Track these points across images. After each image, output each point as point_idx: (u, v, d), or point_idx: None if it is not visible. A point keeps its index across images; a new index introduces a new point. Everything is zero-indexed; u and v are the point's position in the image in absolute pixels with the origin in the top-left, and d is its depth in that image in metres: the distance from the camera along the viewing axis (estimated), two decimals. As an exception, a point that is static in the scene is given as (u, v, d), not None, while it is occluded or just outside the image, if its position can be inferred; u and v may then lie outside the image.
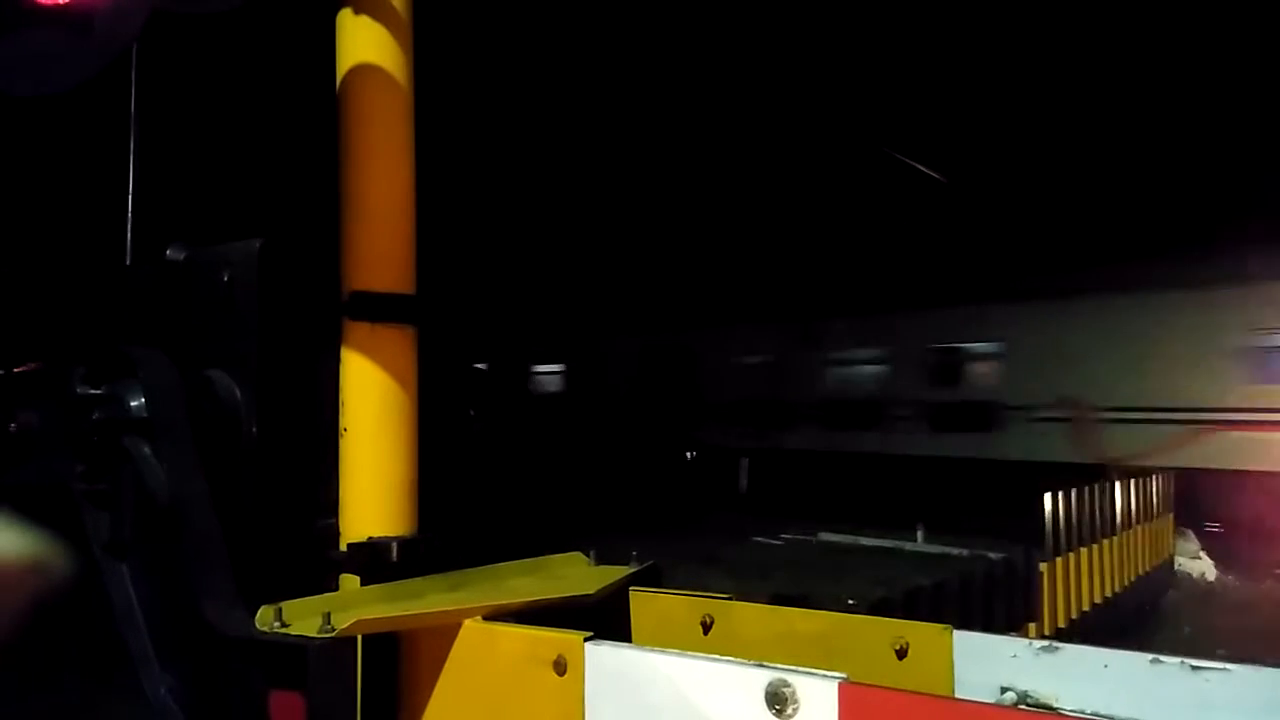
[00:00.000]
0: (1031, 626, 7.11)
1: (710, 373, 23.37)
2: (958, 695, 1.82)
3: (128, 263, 2.82)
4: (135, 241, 2.88)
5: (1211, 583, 11.85)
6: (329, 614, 1.76)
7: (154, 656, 2.17)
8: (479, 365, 29.29)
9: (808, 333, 21.12)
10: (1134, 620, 9.30)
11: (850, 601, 6.79)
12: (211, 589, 1.99)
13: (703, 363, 23.81)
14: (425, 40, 2.44)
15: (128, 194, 2.93)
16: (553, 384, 28.41)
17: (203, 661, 2.10)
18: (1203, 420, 14.83)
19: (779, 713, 1.44)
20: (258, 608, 1.81)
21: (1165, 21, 13.08)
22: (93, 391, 2.17)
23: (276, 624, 1.78)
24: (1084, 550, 8.23)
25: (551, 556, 2.49)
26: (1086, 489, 8.45)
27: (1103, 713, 1.72)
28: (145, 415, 2.11)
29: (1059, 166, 16.85)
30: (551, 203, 21.47)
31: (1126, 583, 9.44)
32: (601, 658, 1.65)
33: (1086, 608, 8.18)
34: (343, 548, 2.20)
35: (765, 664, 1.49)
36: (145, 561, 2.21)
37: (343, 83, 2.33)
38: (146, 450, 2.08)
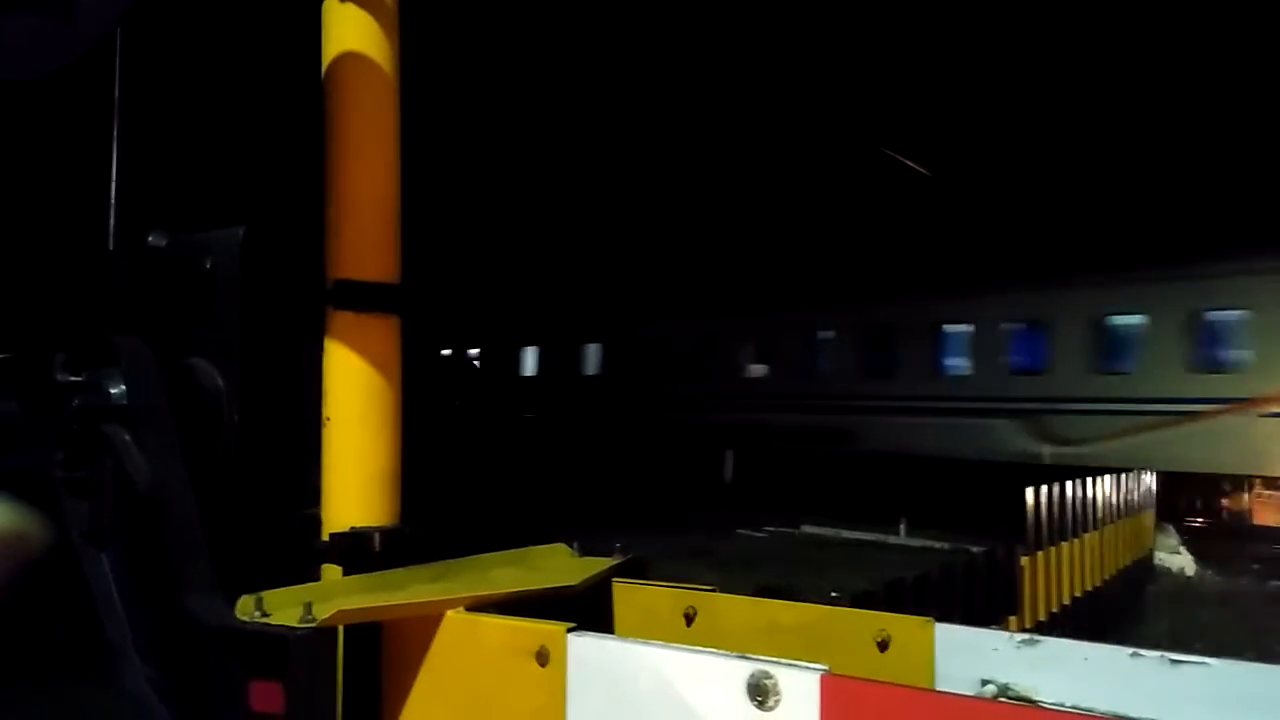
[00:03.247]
0: (1012, 620, 7.14)
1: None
2: (938, 687, 1.83)
3: (110, 249, 2.80)
4: (119, 227, 2.86)
5: (1190, 577, 11.93)
6: (310, 604, 1.75)
7: (133, 645, 2.15)
8: (464, 355, 29.24)
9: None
10: (1114, 614, 9.36)
11: (833, 594, 6.82)
12: (191, 578, 1.97)
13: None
14: (412, 30, 2.43)
15: (111, 180, 2.91)
16: (540, 374, 28.35)
17: (182, 651, 2.09)
18: None
19: (760, 704, 1.44)
20: (238, 597, 1.80)
21: (1143, 29, 13.15)
22: (73, 378, 2.15)
23: (257, 613, 1.77)
24: (1065, 544, 8.28)
25: (535, 548, 2.49)
26: (1069, 483, 8.50)
27: (1082, 706, 1.73)
28: (125, 403, 2.09)
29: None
30: (539, 193, 21.45)
31: (1107, 577, 9.50)
32: (584, 649, 1.65)
33: (1067, 601, 8.23)
34: (325, 537, 2.19)
35: (747, 655, 1.49)
36: (125, 550, 2.19)
37: (328, 71, 2.32)
38: (127, 438, 2.07)
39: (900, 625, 1.93)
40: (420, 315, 2.44)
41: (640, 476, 19.49)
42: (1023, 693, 1.82)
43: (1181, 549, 12.55)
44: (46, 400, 2.18)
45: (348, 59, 2.29)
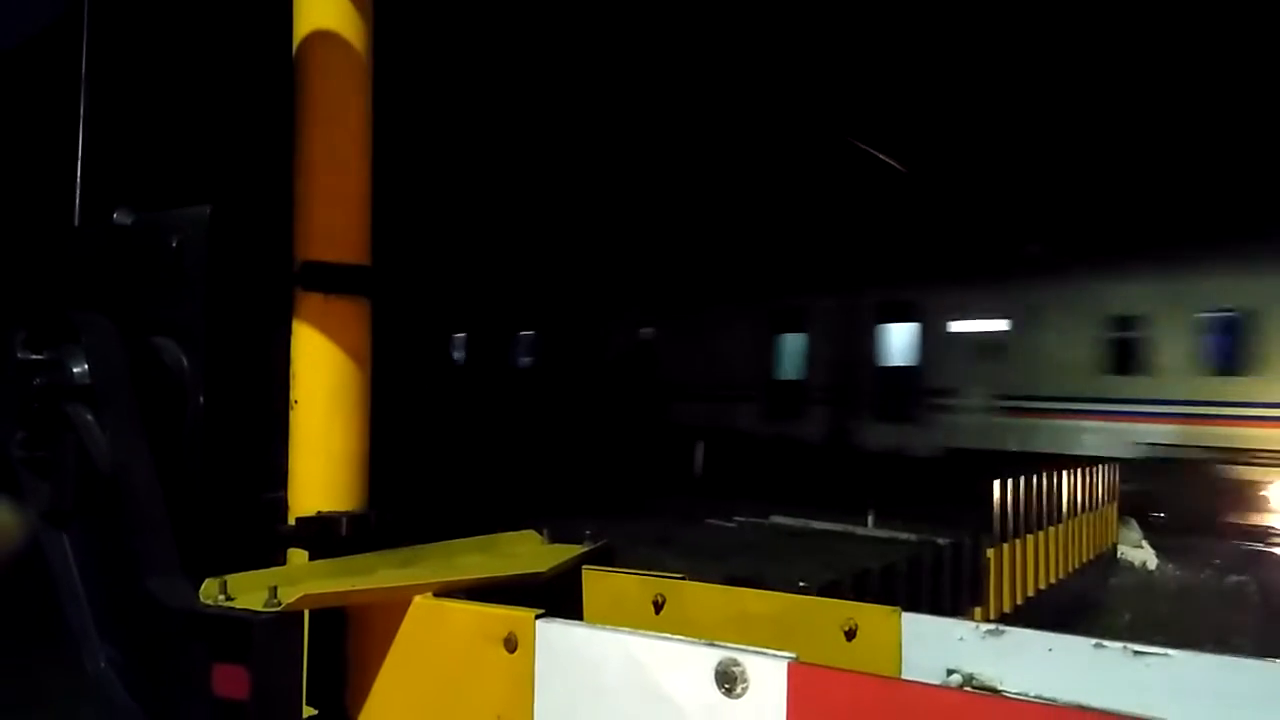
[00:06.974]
0: (978, 610, 7.22)
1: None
2: (904, 676, 1.84)
3: (76, 225, 2.75)
4: (84, 204, 2.80)
5: (1152, 571, 12.09)
6: (275, 588, 1.73)
7: (94, 628, 2.12)
8: (438, 340, 29.13)
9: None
10: (1078, 606, 9.47)
11: (801, 584, 6.85)
12: (154, 561, 1.94)
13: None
14: (387, 11, 2.39)
15: (78, 156, 2.85)
16: (510, 361, 28.24)
17: (145, 634, 2.06)
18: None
19: (728, 691, 1.44)
20: (202, 580, 1.78)
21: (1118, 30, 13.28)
22: (34, 356, 2.11)
23: (221, 597, 1.75)
24: (1030, 537, 8.36)
25: (505, 534, 2.47)
26: (1034, 477, 8.58)
27: (1045, 695, 1.74)
28: (88, 382, 2.05)
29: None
30: (510, 180, 21.38)
31: (1071, 569, 9.62)
32: (552, 635, 1.65)
33: (1032, 593, 8.32)
34: (291, 521, 2.17)
35: (715, 643, 1.49)
36: (86, 532, 2.16)
37: (300, 49, 2.28)
38: (89, 418, 2.03)
39: (867, 614, 1.94)
40: (392, 299, 2.41)
41: (613, 465, 19.48)
42: (987, 682, 1.83)
43: (1144, 543, 12.72)
44: (7, 378, 2.14)
45: (319, 38, 2.26)
